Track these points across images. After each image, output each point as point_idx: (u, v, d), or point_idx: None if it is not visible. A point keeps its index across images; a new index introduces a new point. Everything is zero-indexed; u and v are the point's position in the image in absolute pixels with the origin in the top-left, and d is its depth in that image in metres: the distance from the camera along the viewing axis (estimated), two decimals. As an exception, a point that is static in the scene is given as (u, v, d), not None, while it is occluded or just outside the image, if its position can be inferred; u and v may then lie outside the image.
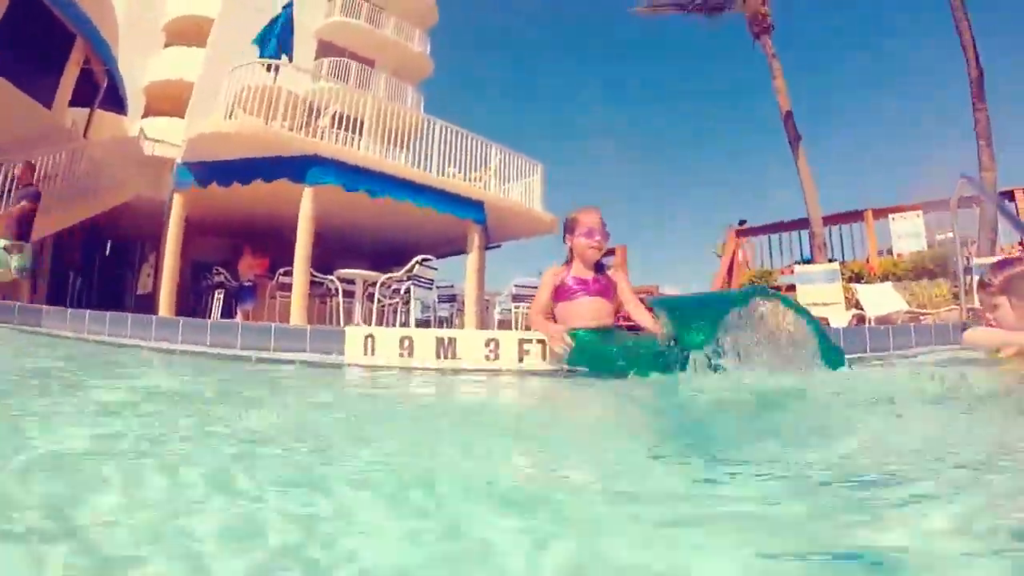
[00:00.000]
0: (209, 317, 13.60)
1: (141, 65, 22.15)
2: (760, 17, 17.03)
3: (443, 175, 14.27)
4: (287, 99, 12.73)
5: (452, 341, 6.06)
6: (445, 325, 13.07)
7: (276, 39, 13.54)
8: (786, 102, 16.56)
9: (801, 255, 15.87)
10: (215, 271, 14.78)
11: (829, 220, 15.60)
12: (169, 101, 22.10)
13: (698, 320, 3.77)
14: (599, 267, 5.09)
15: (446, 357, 5.99)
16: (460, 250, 15.52)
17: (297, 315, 11.65)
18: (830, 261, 14.34)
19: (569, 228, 5.08)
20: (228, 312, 13.91)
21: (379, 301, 11.60)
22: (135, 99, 20.81)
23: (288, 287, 12.10)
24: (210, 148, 12.49)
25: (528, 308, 12.83)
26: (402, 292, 11.29)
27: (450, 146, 14.60)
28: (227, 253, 16.56)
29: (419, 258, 11.42)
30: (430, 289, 11.91)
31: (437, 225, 14.91)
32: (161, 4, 24.02)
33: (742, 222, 17.00)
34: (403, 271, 11.31)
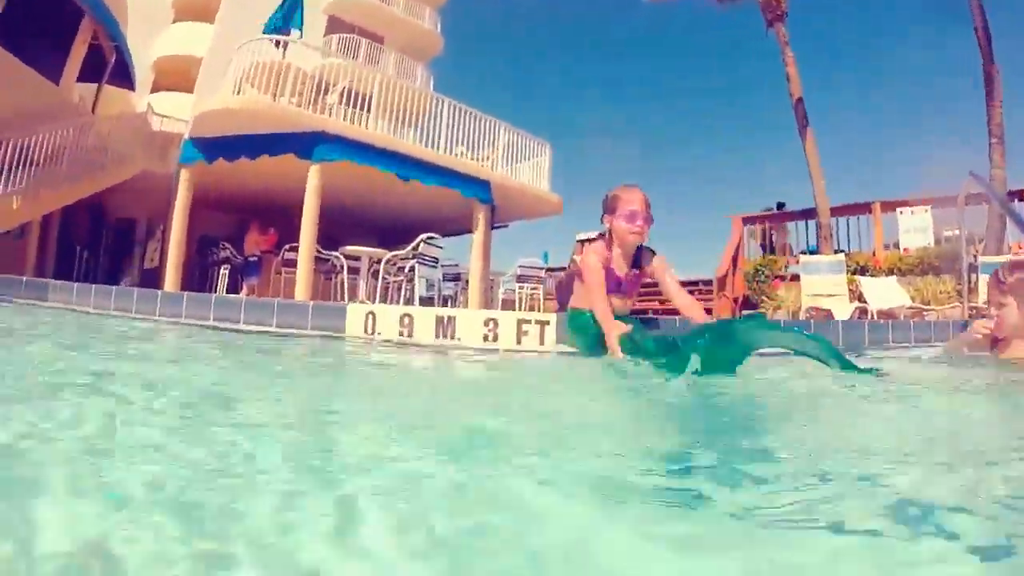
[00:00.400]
0: (214, 291, 13.80)
1: (149, 41, 22.07)
2: (775, 3, 16.87)
3: (451, 154, 14.23)
4: (295, 75, 12.72)
5: (451, 320, 6.11)
6: (449, 304, 13.07)
7: (284, 15, 13.52)
8: (798, 89, 16.40)
9: (807, 245, 15.79)
10: (221, 246, 14.92)
11: (836, 211, 15.52)
12: (177, 77, 22.03)
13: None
14: (638, 254, 4.59)
15: (445, 336, 6.04)
16: (466, 229, 15.52)
17: (302, 291, 11.69)
18: (836, 252, 14.26)
19: (609, 208, 4.52)
20: (234, 287, 14.07)
21: (383, 278, 11.63)
22: (143, 74, 20.79)
23: (293, 263, 12.13)
24: (217, 123, 12.52)
25: (532, 288, 12.97)
26: (407, 270, 11.30)
27: (458, 125, 14.55)
28: (233, 229, 16.60)
29: (424, 236, 11.46)
30: (435, 267, 11.91)
31: (444, 203, 14.93)
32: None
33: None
34: (408, 249, 11.34)
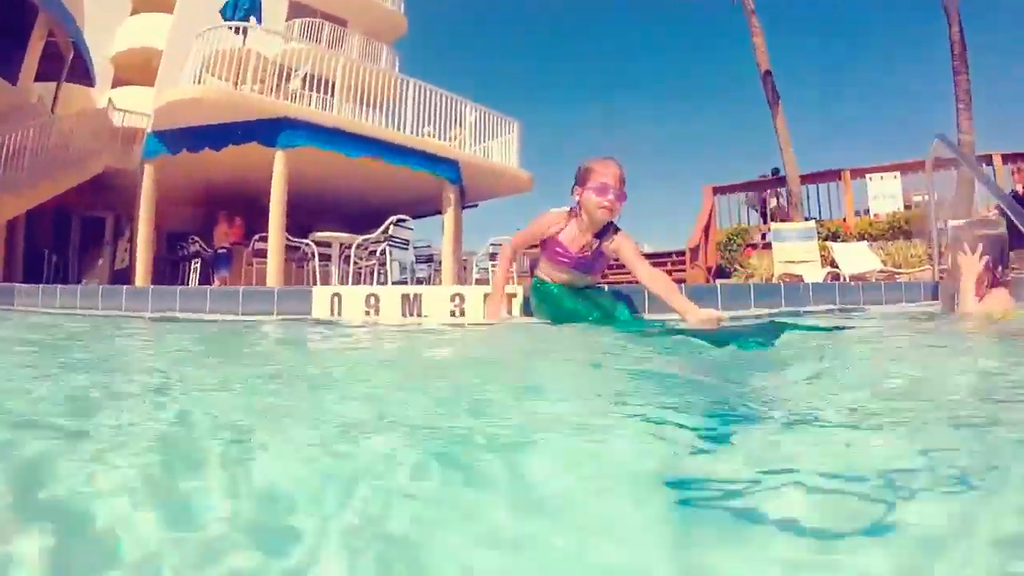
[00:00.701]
0: (186, 286, 13.47)
1: (108, 34, 21.47)
2: None
3: (418, 135, 14.08)
4: (256, 62, 12.51)
5: (417, 297, 5.99)
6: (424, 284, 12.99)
7: (241, 2, 13.31)
8: (765, 60, 16.15)
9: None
10: (191, 240, 14.80)
11: (807, 179, 15.59)
12: (138, 70, 21.43)
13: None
14: (604, 229, 4.31)
15: (412, 314, 5.93)
16: (436, 210, 15.40)
17: (273, 280, 11.54)
18: (806, 219, 14.38)
19: (580, 179, 4.27)
20: (206, 280, 13.91)
21: (355, 263, 11.48)
22: (103, 70, 20.35)
23: (264, 253, 11.95)
24: (180, 115, 12.29)
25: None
26: (378, 254, 11.16)
27: (425, 105, 14.37)
28: (202, 222, 16.39)
29: (394, 218, 11.31)
30: (406, 249, 11.80)
31: (413, 185, 14.75)
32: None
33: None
34: (378, 232, 11.19)
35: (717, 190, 16.66)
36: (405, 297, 6.01)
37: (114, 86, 21.17)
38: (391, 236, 11.16)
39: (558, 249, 4.36)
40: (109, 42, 21.37)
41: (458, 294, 5.89)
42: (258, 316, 6.61)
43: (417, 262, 12.74)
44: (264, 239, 12.03)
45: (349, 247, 11.48)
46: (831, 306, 5.75)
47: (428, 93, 14.45)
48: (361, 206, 16.93)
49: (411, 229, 11.88)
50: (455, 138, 14.92)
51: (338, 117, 12.90)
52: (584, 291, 4.53)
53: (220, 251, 13.67)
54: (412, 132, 13.93)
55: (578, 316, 4.29)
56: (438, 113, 14.61)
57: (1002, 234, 4.07)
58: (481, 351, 3.73)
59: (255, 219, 13.23)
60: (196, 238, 14.55)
